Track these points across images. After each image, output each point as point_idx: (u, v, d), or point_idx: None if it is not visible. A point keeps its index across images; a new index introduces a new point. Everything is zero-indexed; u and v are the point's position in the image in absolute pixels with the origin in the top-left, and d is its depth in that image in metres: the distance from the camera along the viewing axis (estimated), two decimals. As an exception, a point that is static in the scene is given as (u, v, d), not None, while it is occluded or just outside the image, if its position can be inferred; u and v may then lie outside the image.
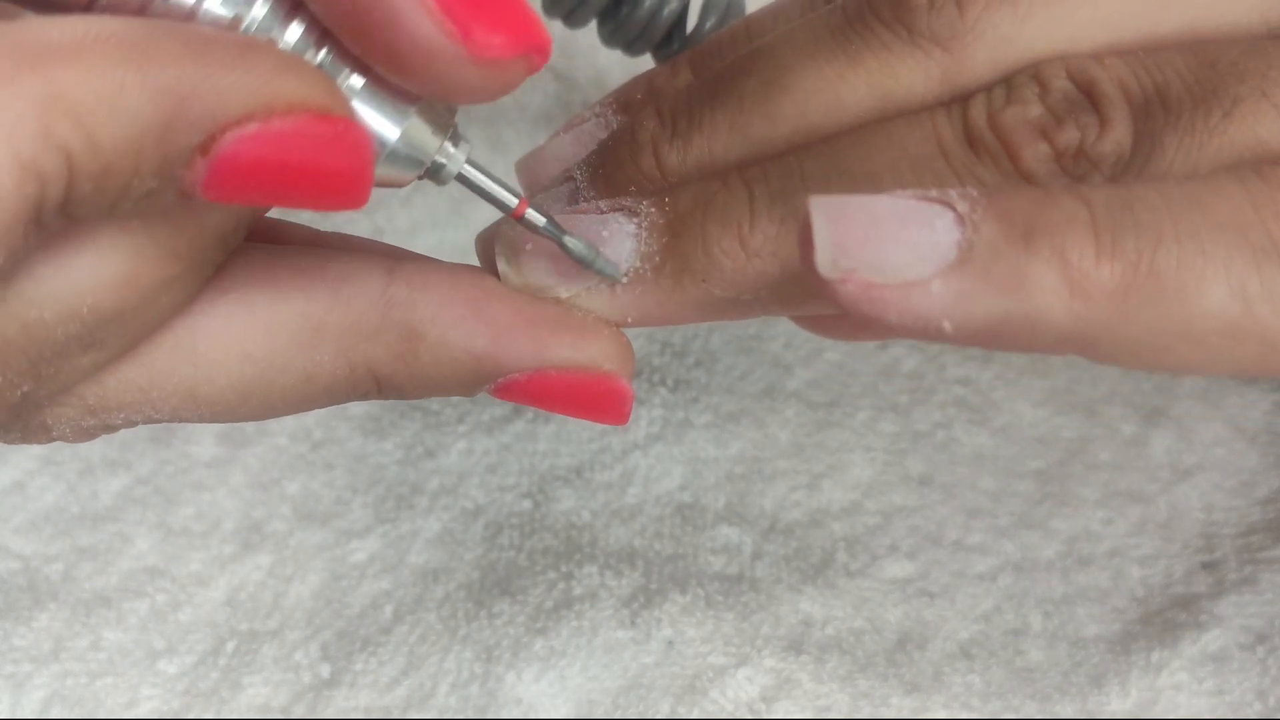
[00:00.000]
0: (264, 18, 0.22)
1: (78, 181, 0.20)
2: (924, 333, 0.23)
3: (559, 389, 0.27)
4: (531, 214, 0.26)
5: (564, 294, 0.27)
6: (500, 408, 0.45)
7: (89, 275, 0.23)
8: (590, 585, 0.41)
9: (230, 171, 0.21)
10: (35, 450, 0.44)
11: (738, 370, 0.47)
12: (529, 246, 0.27)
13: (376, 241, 0.30)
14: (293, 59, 0.21)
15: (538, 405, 0.27)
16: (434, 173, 0.25)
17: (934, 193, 0.23)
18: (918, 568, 0.42)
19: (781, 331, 0.47)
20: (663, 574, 0.42)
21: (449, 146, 0.25)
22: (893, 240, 0.23)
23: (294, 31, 0.23)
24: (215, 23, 0.22)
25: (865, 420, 0.45)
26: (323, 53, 0.23)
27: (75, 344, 0.23)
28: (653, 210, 0.27)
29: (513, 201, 0.26)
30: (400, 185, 0.25)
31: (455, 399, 0.45)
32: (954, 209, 0.23)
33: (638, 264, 0.27)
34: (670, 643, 0.40)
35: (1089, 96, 0.25)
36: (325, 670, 0.40)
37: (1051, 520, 0.43)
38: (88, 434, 0.26)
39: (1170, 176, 0.24)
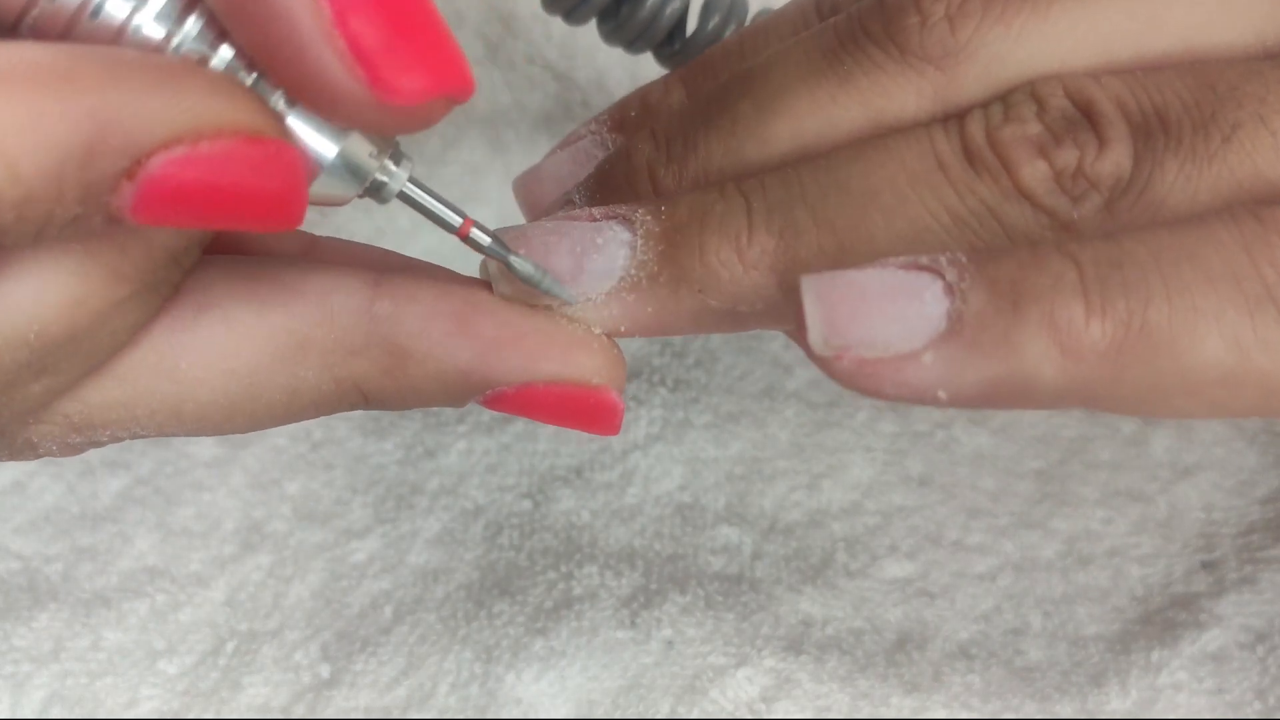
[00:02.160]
0: (195, 37, 0.22)
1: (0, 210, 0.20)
2: (920, 401, 0.24)
3: (547, 401, 0.27)
4: (476, 234, 0.26)
5: (556, 304, 0.27)
6: (500, 408, 0.45)
7: (33, 301, 0.22)
8: (590, 585, 0.41)
9: (157, 195, 0.20)
10: (35, 450, 0.44)
11: (737, 370, 0.47)
12: (522, 252, 0.27)
13: (370, 247, 0.30)
14: (223, 79, 0.21)
15: (527, 416, 0.27)
16: (374, 191, 0.24)
17: (924, 259, 0.24)
18: (917, 568, 0.42)
19: (781, 332, 0.47)
20: (662, 574, 0.42)
21: (390, 165, 0.24)
22: (882, 315, 0.23)
23: (226, 52, 0.22)
24: (144, 44, 0.21)
25: (865, 420, 0.45)
26: (254, 76, 0.22)
27: (26, 371, 0.23)
28: (648, 219, 0.27)
29: (456, 220, 0.26)
30: (340, 204, 0.24)
31: (455, 399, 0.46)
32: (943, 277, 0.23)
33: (633, 272, 0.26)
34: (670, 643, 0.40)
35: (1087, 115, 0.25)
36: (325, 670, 0.40)
37: (1051, 520, 0.43)
38: (75, 449, 0.26)
39: (1169, 202, 0.24)
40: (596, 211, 0.27)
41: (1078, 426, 0.45)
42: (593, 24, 0.37)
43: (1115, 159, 0.24)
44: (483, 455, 0.45)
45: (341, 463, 0.44)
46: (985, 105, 0.26)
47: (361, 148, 0.23)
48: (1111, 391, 0.23)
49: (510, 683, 0.40)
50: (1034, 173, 0.24)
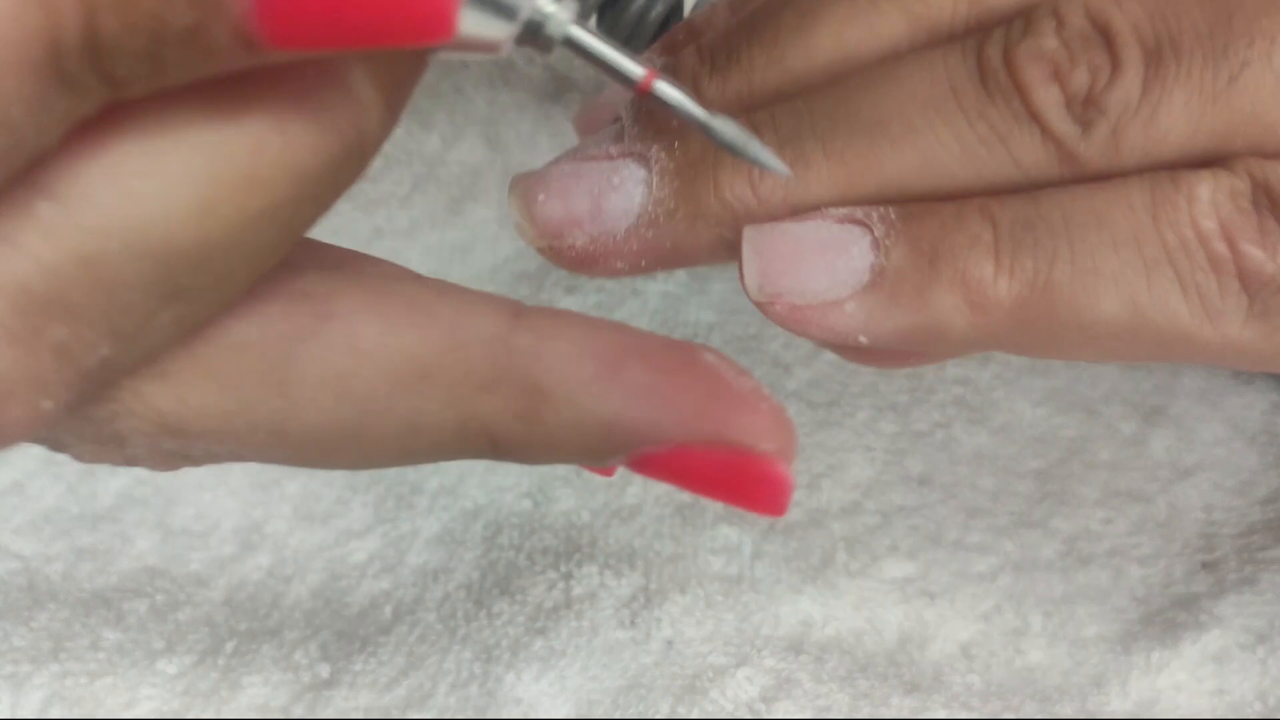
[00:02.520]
0: None
1: (100, 14, 0.16)
2: (844, 344, 0.26)
3: (704, 469, 0.23)
4: (662, 87, 0.21)
5: (581, 244, 0.27)
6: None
7: (158, 199, 0.19)
8: (590, 585, 0.41)
9: None
10: (35, 450, 0.44)
11: (737, 370, 0.47)
12: (541, 197, 0.26)
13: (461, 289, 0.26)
14: None
15: (679, 485, 0.23)
16: (533, 33, 0.20)
17: (859, 213, 0.26)
18: (918, 568, 0.42)
19: (781, 331, 0.47)
20: (662, 574, 0.42)
21: (546, 4, 0.20)
22: (811, 267, 0.25)
23: None
24: None
25: (865, 420, 0.45)
26: None
27: (154, 293, 0.19)
28: (663, 155, 0.27)
29: (638, 73, 0.21)
30: (494, 48, 0.20)
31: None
32: (872, 233, 0.25)
33: (650, 209, 0.26)
34: (670, 643, 0.40)
35: (1104, 37, 0.25)
36: (324, 670, 0.40)
37: (1051, 520, 0.43)
38: (166, 459, 0.23)
39: (1171, 136, 0.25)
40: (614, 150, 0.27)
41: (1078, 427, 0.45)
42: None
43: (1126, 86, 0.25)
44: (482, 455, 0.45)
45: (341, 462, 0.44)
46: (1009, 21, 0.26)
47: None
48: (1015, 341, 0.26)
49: (510, 683, 0.40)
50: (1046, 96, 0.25)
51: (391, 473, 0.44)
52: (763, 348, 0.47)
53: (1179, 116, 0.25)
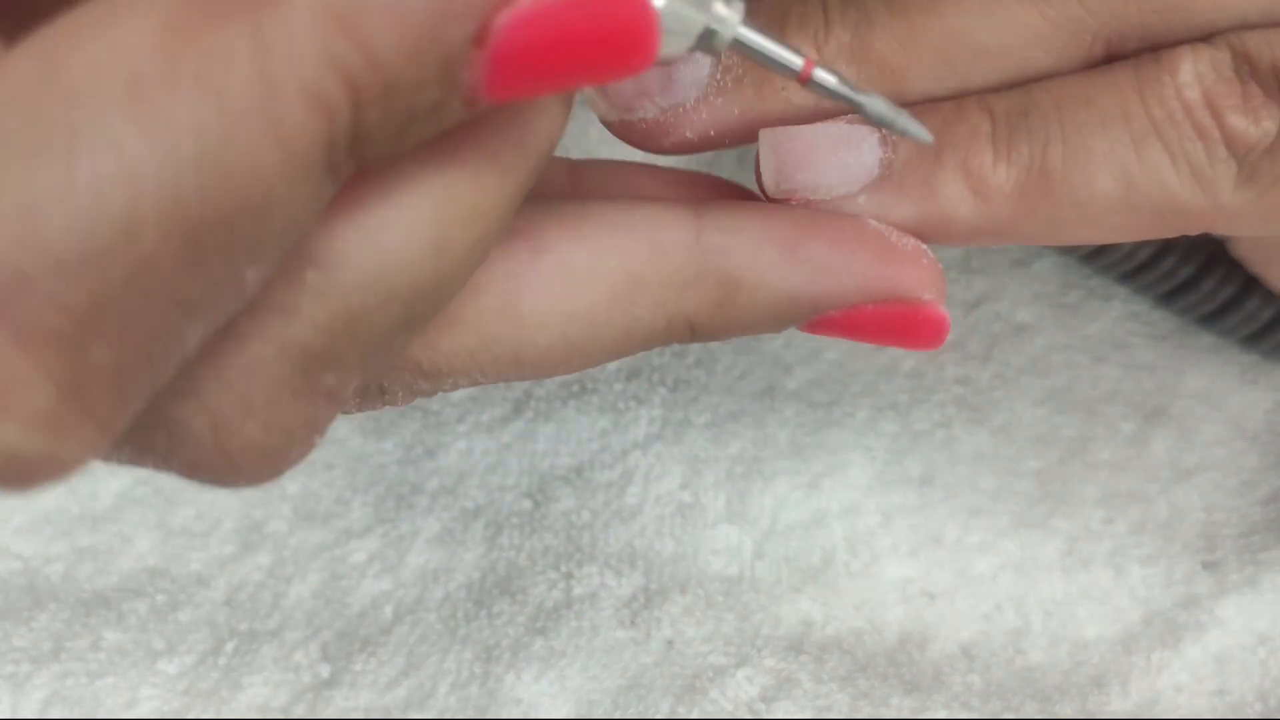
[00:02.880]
0: None
1: (364, 108, 0.18)
2: None
3: (875, 322, 0.26)
4: (821, 75, 0.24)
5: (652, 115, 0.27)
6: (499, 407, 0.45)
7: (401, 250, 0.21)
8: (590, 585, 0.41)
9: (511, 58, 0.19)
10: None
11: (737, 370, 0.47)
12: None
13: (647, 170, 0.29)
14: None
15: (850, 338, 0.27)
16: (706, 40, 0.22)
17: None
18: (918, 567, 0.42)
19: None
20: (663, 574, 0.42)
21: (720, 8, 0.22)
22: (824, 164, 0.26)
23: None
24: None
25: (865, 420, 0.45)
26: None
27: (397, 327, 0.22)
28: None
29: (798, 63, 0.24)
30: (673, 59, 0.23)
31: (454, 398, 0.45)
32: (878, 130, 0.26)
33: (719, 77, 0.27)
34: (670, 642, 0.40)
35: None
36: (325, 670, 0.40)
37: (1051, 520, 0.43)
38: (416, 395, 0.26)
39: None
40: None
41: (1078, 427, 0.45)
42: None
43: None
44: (483, 455, 0.45)
45: (341, 462, 0.44)
46: None
47: None
48: (1019, 226, 0.27)
49: (510, 683, 0.40)
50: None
51: (392, 473, 0.44)
52: (763, 347, 0.47)
53: None
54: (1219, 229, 0.27)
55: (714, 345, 0.47)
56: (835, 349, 0.47)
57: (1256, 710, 0.39)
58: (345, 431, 0.45)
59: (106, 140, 0.17)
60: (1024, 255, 0.46)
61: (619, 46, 0.20)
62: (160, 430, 0.21)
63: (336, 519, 0.43)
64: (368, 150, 0.19)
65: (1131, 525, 0.43)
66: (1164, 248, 0.42)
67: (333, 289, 0.21)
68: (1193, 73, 0.26)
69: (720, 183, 0.29)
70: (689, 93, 0.27)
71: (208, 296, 0.19)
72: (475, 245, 0.22)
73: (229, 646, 0.41)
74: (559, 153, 0.27)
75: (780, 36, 0.26)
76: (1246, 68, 0.26)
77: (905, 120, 0.26)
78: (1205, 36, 0.26)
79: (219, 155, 0.17)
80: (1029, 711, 0.39)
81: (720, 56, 0.24)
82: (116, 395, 0.19)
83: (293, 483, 0.44)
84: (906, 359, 0.46)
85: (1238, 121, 0.25)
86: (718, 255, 0.26)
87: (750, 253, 0.26)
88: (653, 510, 0.44)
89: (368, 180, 0.21)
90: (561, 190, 0.29)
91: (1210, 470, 0.44)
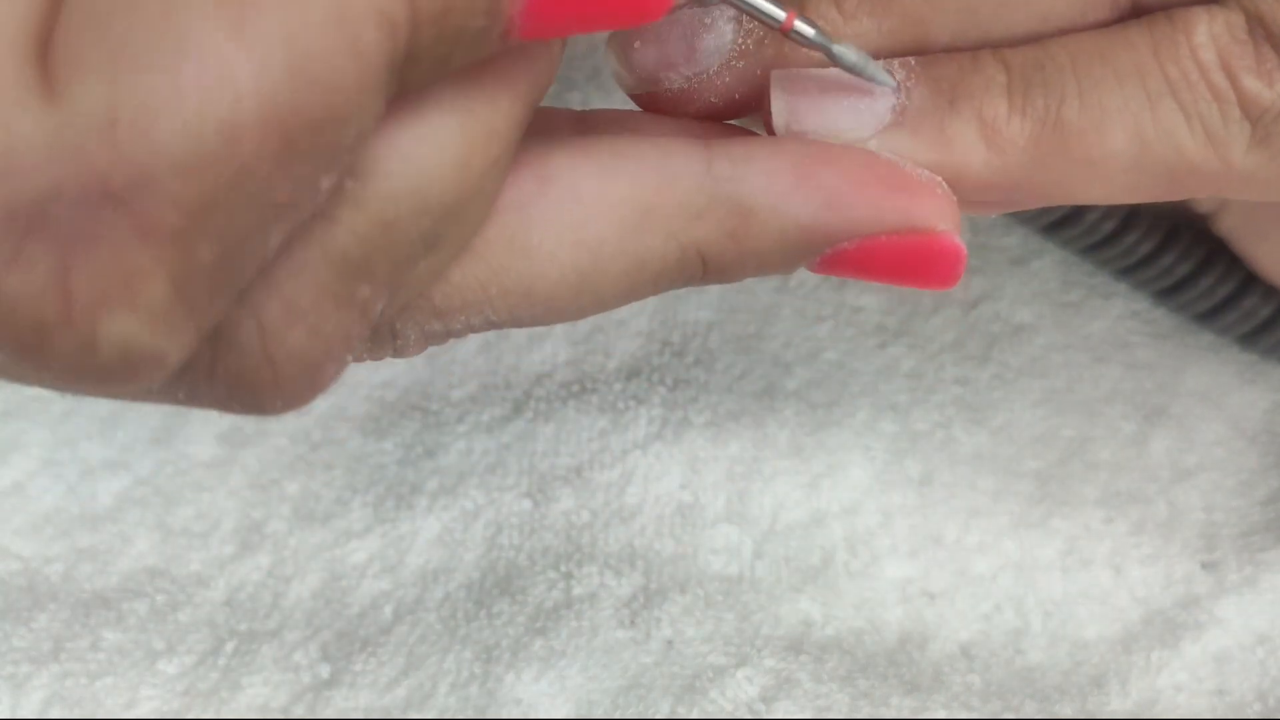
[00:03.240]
0: None
1: (422, 27, 0.20)
2: None
3: (889, 255, 0.26)
4: (800, 25, 0.25)
5: (678, 85, 0.27)
6: (499, 408, 0.45)
7: (433, 164, 0.22)
8: (590, 585, 0.41)
9: None
10: (35, 451, 0.44)
11: (737, 369, 0.47)
12: (637, 44, 0.27)
13: (658, 120, 0.29)
14: None
15: (862, 276, 0.26)
16: None
17: (884, 62, 0.27)
18: (918, 567, 0.42)
19: (780, 331, 0.47)
20: (662, 574, 0.42)
21: None
22: (837, 107, 0.26)
23: None
24: None
25: (865, 420, 0.45)
26: None
27: (422, 244, 0.23)
28: None
29: (780, 15, 0.25)
30: (678, 5, 0.24)
31: (454, 398, 0.45)
32: (894, 75, 0.26)
33: (741, 41, 0.27)
34: (670, 642, 0.40)
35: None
36: (325, 670, 0.40)
37: (1051, 520, 0.43)
38: (429, 339, 0.26)
39: None
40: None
41: (1078, 427, 0.45)
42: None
43: None
44: (482, 455, 0.45)
45: (341, 463, 0.44)
46: None
47: None
48: (1031, 179, 0.27)
49: (510, 683, 0.40)
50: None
51: (391, 473, 0.44)
52: (762, 346, 0.47)
53: None
54: (1228, 191, 0.27)
55: (714, 344, 0.47)
56: (835, 349, 0.47)
57: (1256, 710, 0.39)
58: (345, 432, 0.45)
59: (208, 51, 0.18)
60: (1023, 254, 0.46)
61: None
62: (209, 340, 0.22)
63: (336, 519, 0.43)
64: (415, 70, 0.20)
65: (1131, 525, 0.43)
66: (1163, 243, 0.42)
67: (369, 197, 0.22)
68: (1208, 34, 0.26)
69: (731, 127, 0.29)
70: (712, 60, 0.27)
71: (293, 200, 0.20)
72: (493, 165, 0.23)
73: (229, 647, 0.41)
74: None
75: None
76: (1260, 30, 0.26)
77: (874, 68, 0.26)
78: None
79: (307, 66, 0.18)
80: (1029, 711, 0.39)
81: (711, 4, 0.25)
82: (213, 294, 0.20)
83: (292, 483, 0.44)
84: (905, 358, 0.46)
85: (1252, 84, 0.26)
86: (729, 184, 0.26)
87: (762, 181, 0.25)
88: (652, 510, 0.44)
89: (399, 101, 0.21)
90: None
91: (1210, 470, 0.44)
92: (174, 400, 0.23)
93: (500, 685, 0.40)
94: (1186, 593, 0.41)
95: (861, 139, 0.26)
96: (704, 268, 0.26)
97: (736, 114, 0.28)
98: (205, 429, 0.45)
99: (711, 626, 0.41)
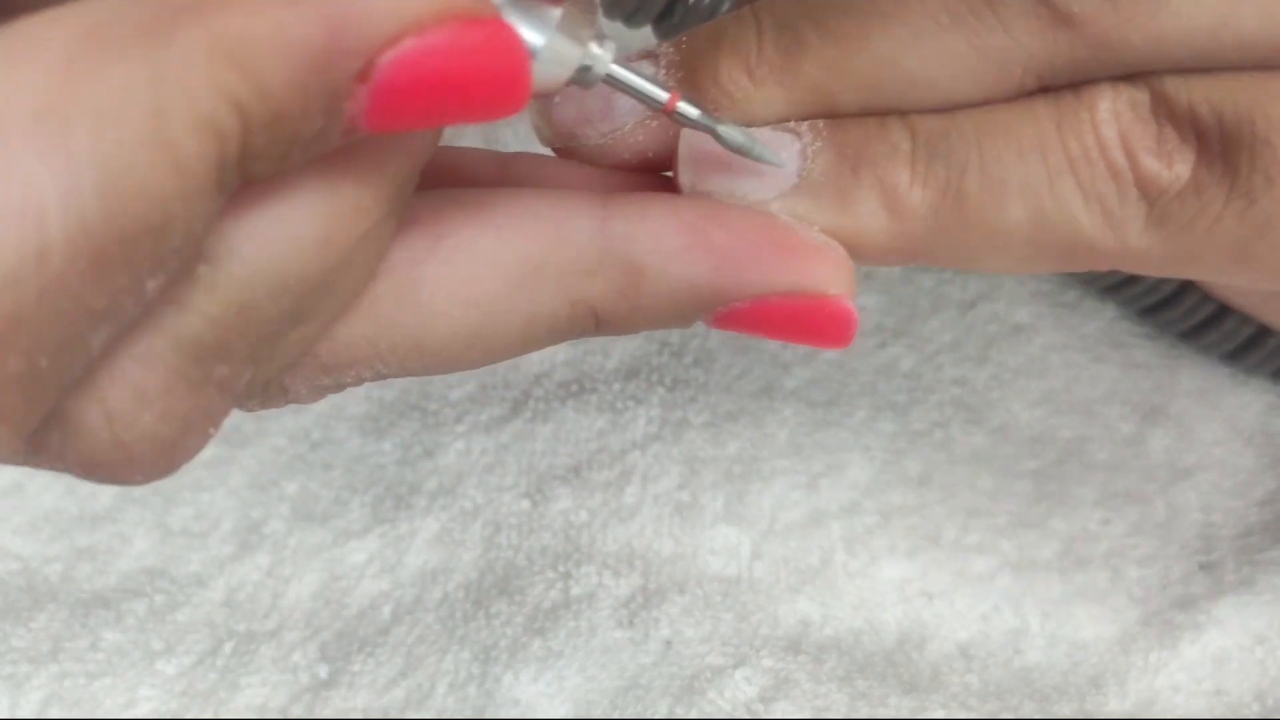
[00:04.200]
0: None
1: (252, 133, 0.20)
2: None
3: (781, 315, 0.26)
4: (684, 106, 0.26)
5: (595, 141, 0.28)
6: (498, 408, 0.45)
7: (288, 244, 0.22)
8: (588, 585, 0.41)
9: (391, 95, 0.20)
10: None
11: (735, 369, 0.47)
12: (557, 99, 0.27)
13: (570, 167, 0.29)
14: None
15: (757, 333, 0.27)
16: (581, 75, 0.25)
17: (791, 124, 0.27)
18: (916, 568, 0.42)
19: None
20: (661, 574, 0.42)
21: (594, 48, 0.24)
22: (741, 169, 0.27)
23: None
24: None
25: (864, 420, 0.45)
26: None
27: (286, 321, 0.23)
28: (670, 50, 0.28)
29: (663, 96, 0.25)
30: (551, 93, 0.25)
31: (452, 398, 0.46)
32: (800, 139, 0.27)
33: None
34: (668, 643, 0.40)
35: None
36: (323, 671, 0.40)
37: (1049, 520, 0.43)
38: (321, 392, 0.26)
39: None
40: (632, 54, 0.28)
41: (1075, 427, 0.45)
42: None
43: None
44: (481, 455, 0.45)
45: (340, 463, 0.44)
46: None
47: (569, 34, 0.24)
48: (931, 248, 0.27)
49: (508, 683, 0.40)
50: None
51: (390, 473, 0.44)
52: (761, 346, 0.47)
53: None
54: (1128, 268, 0.27)
55: (713, 344, 0.47)
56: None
57: (1254, 710, 0.39)
58: (343, 432, 0.45)
59: (15, 172, 0.18)
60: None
61: (494, 89, 0.21)
62: (55, 427, 0.22)
63: (335, 519, 0.43)
64: (255, 168, 0.20)
65: (1129, 526, 0.43)
66: None
67: (223, 282, 0.22)
68: (1111, 110, 0.26)
69: (637, 182, 0.29)
70: (627, 118, 0.27)
71: (113, 306, 0.20)
72: (363, 239, 0.23)
73: (227, 647, 0.41)
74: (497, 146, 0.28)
75: (714, 58, 0.27)
76: (1164, 109, 0.26)
77: (760, 149, 0.26)
78: (1134, 76, 0.26)
79: (120, 182, 0.19)
80: (1027, 711, 0.39)
81: (591, 87, 0.25)
82: (28, 400, 0.20)
83: (291, 483, 0.44)
84: (904, 358, 0.46)
85: (1150, 164, 0.25)
86: (621, 242, 0.26)
87: (654, 240, 0.26)
88: (651, 510, 0.44)
89: (253, 186, 0.22)
90: (490, 184, 0.29)
91: (1208, 470, 0.44)
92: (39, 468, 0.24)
93: (498, 686, 0.40)
94: (1184, 593, 0.41)
95: (764, 201, 0.27)
96: (597, 323, 0.27)
97: (651, 170, 0.28)
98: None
99: (710, 627, 0.41)
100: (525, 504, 0.44)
